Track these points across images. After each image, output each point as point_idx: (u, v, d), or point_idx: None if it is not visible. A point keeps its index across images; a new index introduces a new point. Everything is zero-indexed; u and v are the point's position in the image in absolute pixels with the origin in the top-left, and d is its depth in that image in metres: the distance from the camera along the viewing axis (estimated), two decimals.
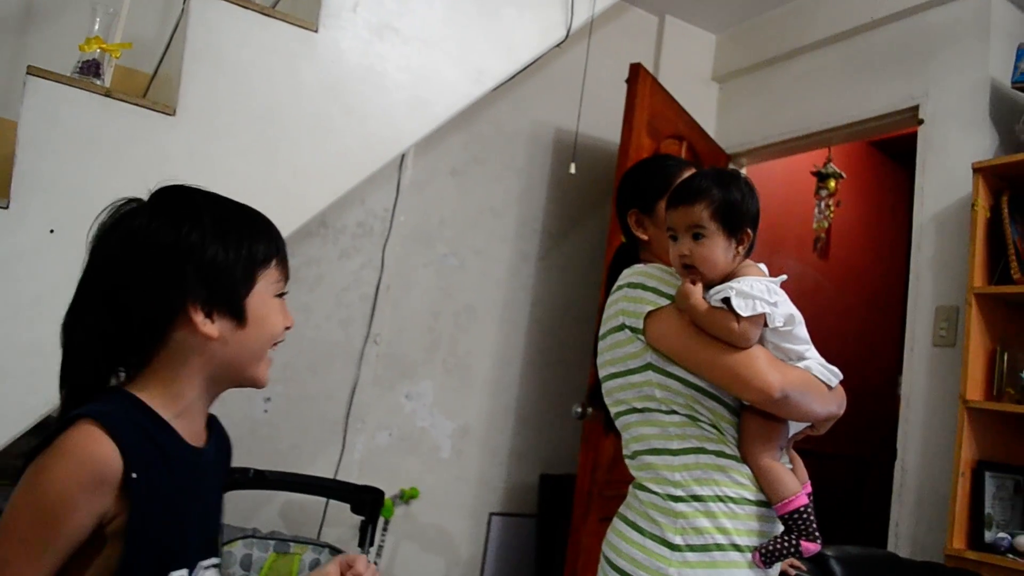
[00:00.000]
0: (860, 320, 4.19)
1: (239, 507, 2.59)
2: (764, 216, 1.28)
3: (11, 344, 1.64)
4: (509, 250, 3.25)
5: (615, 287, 1.36)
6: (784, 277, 1.26)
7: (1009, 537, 2.15)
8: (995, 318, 2.33)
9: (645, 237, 1.47)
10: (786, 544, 1.19)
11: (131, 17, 2.00)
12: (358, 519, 2.37)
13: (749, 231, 1.25)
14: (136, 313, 0.90)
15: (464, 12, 2.30)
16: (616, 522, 1.30)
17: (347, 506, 2.40)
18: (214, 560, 0.98)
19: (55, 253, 1.67)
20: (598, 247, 3.20)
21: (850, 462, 3.86)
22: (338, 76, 2.09)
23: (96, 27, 1.88)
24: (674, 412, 1.25)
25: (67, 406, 0.90)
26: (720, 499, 1.21)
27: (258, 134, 1.96)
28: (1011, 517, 2.27)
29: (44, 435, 0.85)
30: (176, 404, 0.93)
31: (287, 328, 1.00)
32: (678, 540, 1.20)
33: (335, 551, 2.42)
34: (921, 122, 2.74)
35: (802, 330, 1.25)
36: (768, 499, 1.22)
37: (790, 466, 1.28)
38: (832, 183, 3.79)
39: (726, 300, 1.17)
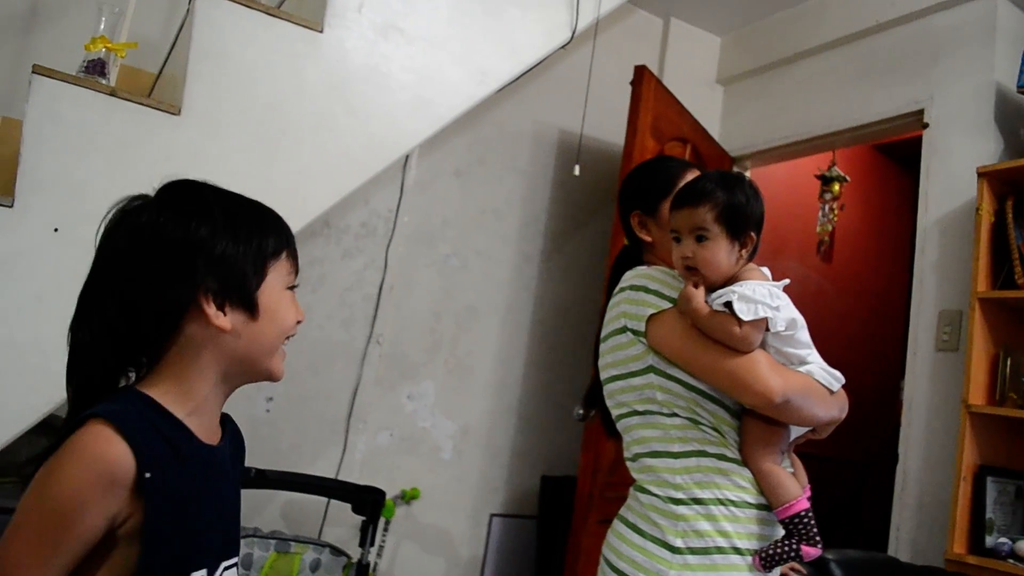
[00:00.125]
0: (863, 324, 4.18)
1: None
2: (767, 219, 1.28)
3: (13, 342, 1.64)
4: (512, 251, 3.25)
5: (617, 289, 1.36)
6: (787, 281, 1.26)
7: (1010, 542, 2.15)
8: (998, 323, 2.33)
9: (648, 239, 1.46)
10: (787, 548, 1.19)
11: (136, 17, 2.00)
12: (359, 519, 2.37)
13: (753, 234, 1.24)
14: (146, 309, 0.88)
15: (469, 13, 2.30)
16: (616, 524, 1.30)
17: (348, 506, 2.40)
18: (234, 559, 0.97)
19: (58, 252, 1.67)
20: (601, 249, 3.20)
21: (851, 466, 3.85)
22: (342, 76, 2.10)
23: (102, 27, 1.89)
24: (675, 415, 1.25)
25: (75, 406, 0.88)
26: (721, 502, 1.21)
27: (262, 134, 1.97)
28: (1012, 522, 2.26)
29: (56, 436, 0.84)
30: (189, 401, 0.91)
31: (298, 322, 0.99)
32: (679, 543, 1.20)
33: (336, 551, 2.43)
34: (926, 126, 2.74)
35: (804, 334, 1.24)
36: (769, 503, 1.22)
37: (791, 470, 1.28)
38: (836, 187, 3.78)
39: (728, 304, 1.17)
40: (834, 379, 1.26)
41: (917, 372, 2.58)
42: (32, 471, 0.84)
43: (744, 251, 1.24)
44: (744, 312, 1.15)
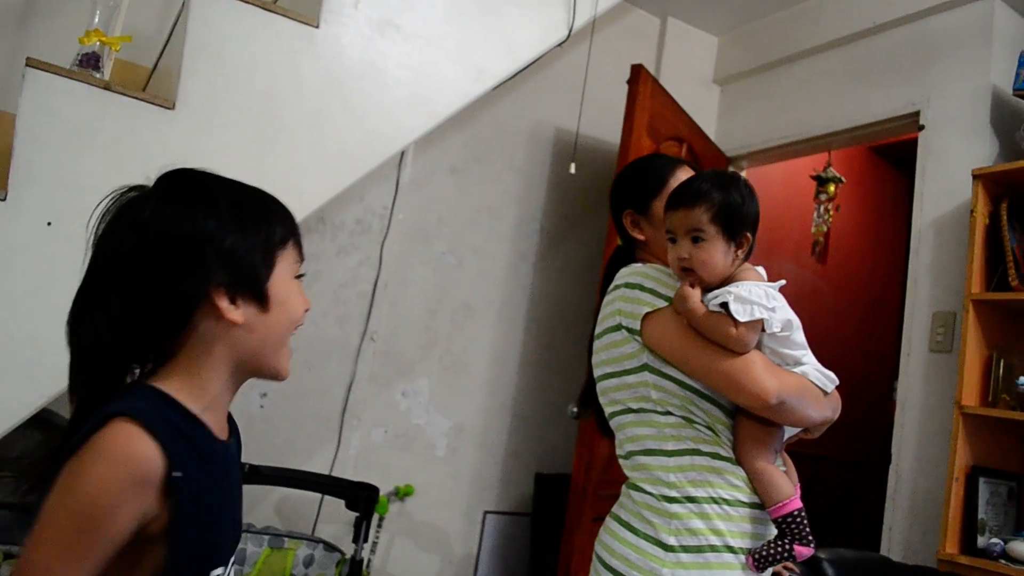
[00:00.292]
0: (857, 324, 4.19)
1: None
2: (763, 219, 1.28)
3: (7, 336, 1.63)
4: (507, 249, 3.25)
5: (612, 286, 1.35)
6: (783, 282, 1.26)
7: (1002, 543, 2.16)
8: (992, 324, 2.33)
9: (641, 237, 1.46)
10: (780, 549, 1.19)
11: (131, 10, 1.99)
12: (353, 515, 2.37)
13: (749, 235, 1.24)
14: (157, 304, 0.86)
15: (466, 10, 2.29)
16: (609, 522, 1.30)
17: (342, 502, 2.40)
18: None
19: (52, 246, 1.67)
20: (596, 248, 3.20)
21: (845, 466, 3.86)
22: (338, 72, 2.09)
23: (96, 20, 1.88)
24: (669, 413, 1.25)
25: (84, 406, 0.85)
26: (714, 501, 1.21)
27: (257, 129, 1.96)
28: (1004, 523, 2.27)
29: (64, 435, 0.82)
30: (203, 397, 0.89)
31: (305, 310, 0.97)
32: (672, 541, 1.20)
33: (329, 547, 2.42)
34: (922, 128, 2.74)
35: (800, 335, 1.24)
36: (762, 502, 1.22)
37: (784, 469, 1.28)
38: (832, 187, 3.79)
39: (724, 305, 1.17)
40: (828, 380, 1.26)
41: (910, 373, 2.59)
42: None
43: (740, 251, 1.24)
44: (740, 313, 1.15)
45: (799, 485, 1.29)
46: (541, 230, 3.33)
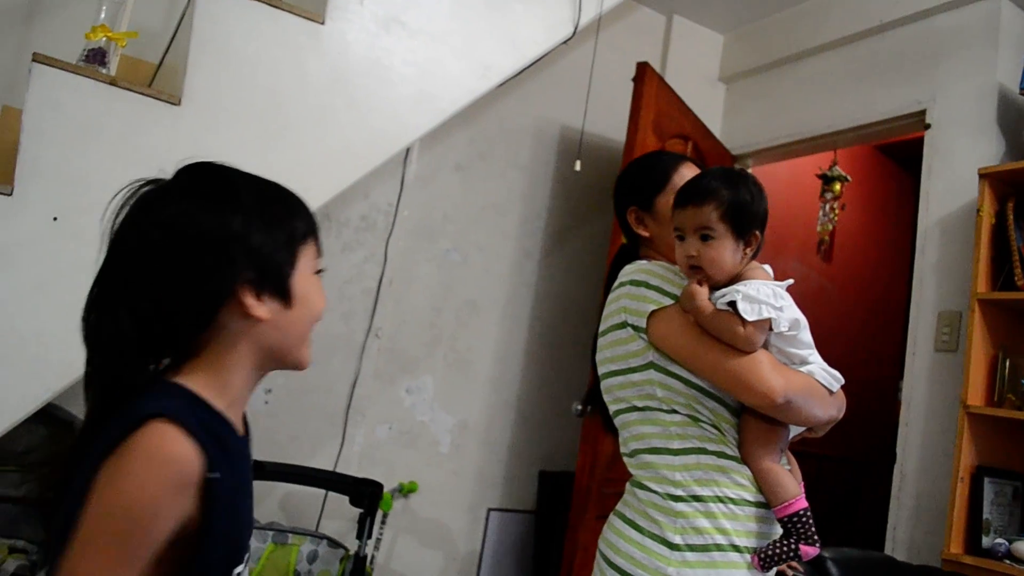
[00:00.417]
0: (862, 323, 4.18)
1: None
2: (769, 218, 1.27)
3: (13, 331, 1.64)
4: (512, 246, 3.25)
5: (617, 283, 1.34)
6: (790, 281, 1.26)
7: (1007, 543, 2.15)
8: (997, 324, 2.33)
9: (646, 234, 1.45)
10: (785, 548, 1.19)
11: (137, 6, 2.00)
12: (356, 512, 2.37)
13: (757, 233, 1.23)
14: (183, 301, 0.84)
15: (471, 7, 2.29)
16: (613, 520, 1.30)
17: (346, 498, 2.40)
18: None
19: (58, 241, 1.67)
20: (601, 246, 3.19)
21: (849, 465, 3.85)
22: (344, 69, 2.09)
23: (102, 15, 1.88)
24: (675, 411, 1.25)
25: (101, 404, 0.84)
26: (720, 500, 1.21)
27: (262, 125, 1.96)
28: (1009, 523, 2.27)
29: (80, 435, 0.80)
30: (227, 394, 0.88)
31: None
32: (677, 539, 1.19)
33: (333, 543, 2.43)
34: (928, 127, 2.74)
35: (806, 334, 1.24)
36: (768, 501, 1.22)
37: (789, 468, 1.28)
38: (837, 186, 3.78)
39: (732, 303, 1.17)
40: (834, 379, 1.26)
41: (916, 372, 2.58)
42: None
43: (748, 250, 1.23)
44: (748, 312, 1.15)
45: (802, 484, 1.28)
46: (546, 227, 3.32)
